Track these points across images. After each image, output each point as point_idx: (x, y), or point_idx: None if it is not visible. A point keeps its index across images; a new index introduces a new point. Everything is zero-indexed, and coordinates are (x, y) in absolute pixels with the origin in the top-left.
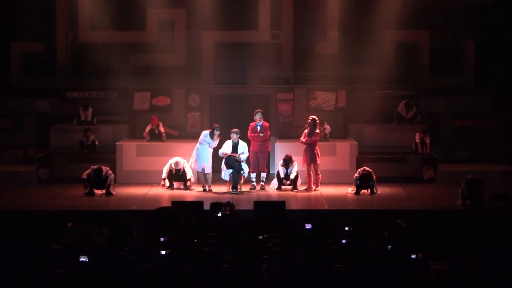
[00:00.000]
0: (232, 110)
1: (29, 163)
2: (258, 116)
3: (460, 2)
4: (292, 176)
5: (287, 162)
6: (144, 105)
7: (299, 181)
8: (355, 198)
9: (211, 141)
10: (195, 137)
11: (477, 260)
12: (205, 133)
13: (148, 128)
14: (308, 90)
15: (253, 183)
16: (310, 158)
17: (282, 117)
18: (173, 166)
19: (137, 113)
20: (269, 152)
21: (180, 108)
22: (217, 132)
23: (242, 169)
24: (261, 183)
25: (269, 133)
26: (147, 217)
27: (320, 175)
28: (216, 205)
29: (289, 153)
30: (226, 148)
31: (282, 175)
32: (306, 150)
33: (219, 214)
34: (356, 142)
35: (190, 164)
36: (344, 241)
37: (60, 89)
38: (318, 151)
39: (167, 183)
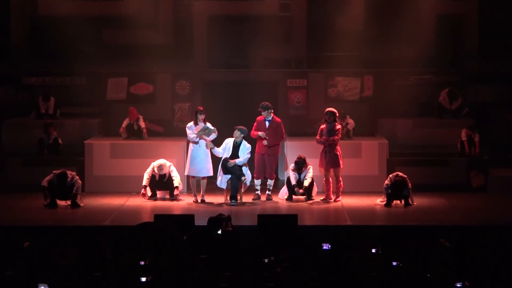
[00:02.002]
0: (230, 101)
1: None
2: (266, 112)
3: None
4: (306, 183)
5: (300, 165)
6: (120, 94)
7: (315, 189)
8: (385, 212)
9: (194, 132)
10: (184, 134)
11: None
12: (189, 125)
13: (125, 123)
14: (326, 75)
15: (257, 192)
16: (330, 161)
17: (294, 109)
18: (156, 171)
19: (111, 104)
20: (278, 155)
21: (165, 97)
22: (200, 116)
23: (243, 175)
24: (267, 192)
25: (284, 133)
26: (124, 235)
27: (341, 183)
28: (216, 220)
29: (303, 155)
30: (224, 147)
31: (293, 182)
32: (324, 151)
33: (219, 231)
34: (386, 141)
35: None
36: (370, 266)
37: (15, 74)
38: (340, 153)
39: (149, 192)
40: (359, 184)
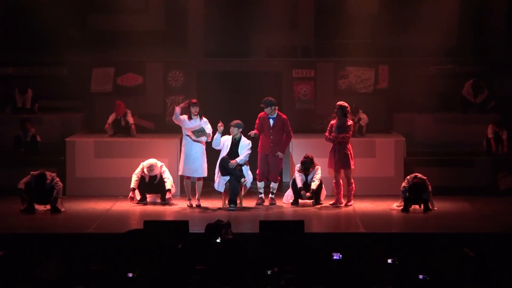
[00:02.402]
0: (229, 94)
1: None
2: (269, 109)
3: None
4: (313, 186)
5: (307, 166)
6: (106, 86)
7: (324, 193)
8: (403, 217)
9: (191, 124)
10: (176, 130)
11: None
12: (183, 118)
13: (111, 118)
14: (337, 65)
15: (260, 196)
16: (340, 161)
17: (300, 102)
18: (146, 172)
19: (96, 97)
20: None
21: (157, 90)
22: (194, 109)
23: (243, 176)
24: (270, 195)
25: (290, 131)
26: (110, 243)
27: (353, 185)
28: (215, 227)
29: (310, 154)
30: (222, 145)
31: (299, 184)
32: (333, 150)
33: (218, 240)
34: (403, 138)
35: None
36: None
37: None
38: (351, 152)
39: (138, 196)
40: (373, 187)
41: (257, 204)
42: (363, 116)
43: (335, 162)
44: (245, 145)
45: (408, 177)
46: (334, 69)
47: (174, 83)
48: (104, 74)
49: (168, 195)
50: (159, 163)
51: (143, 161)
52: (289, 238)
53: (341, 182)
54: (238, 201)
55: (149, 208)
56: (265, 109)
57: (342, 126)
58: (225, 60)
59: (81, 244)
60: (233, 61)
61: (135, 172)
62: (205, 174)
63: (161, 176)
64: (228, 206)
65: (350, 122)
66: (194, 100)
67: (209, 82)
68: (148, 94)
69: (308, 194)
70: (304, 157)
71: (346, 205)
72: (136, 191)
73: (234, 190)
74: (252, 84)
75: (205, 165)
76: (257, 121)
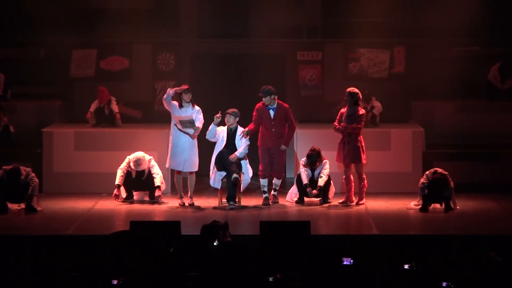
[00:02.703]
0: (225, 79)
1: None
2: (268, 98)
3: None
4: (321, 183)
5: (314, 159)
6: (88, 70)
7: (332, 190)
8: (421, 217)
9: (181, 112)
10: (167, 120)
11: None
12: (173, 104)
13: (93, 107)
14: (347, 47)
15: (265, 196)
16: (350, 155)
17: (306, 88)
18: (132, 167)
19: (76, 83)
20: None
21: (145, 74)
22: (186, 96)
23: (236, 171)
24: (273, 192)
25: (294, 121)
26: (92, 247)
27: (365, 181)
28: (211, 229)
29: (317, 146)
30: (217, 137)
31: (305, 181)
32: (342, 142)
33: (215, 243)
34: (422, 129)
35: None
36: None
37: None
38: (363, 144)
39: (124, 193)
40: (387, 183)
41: (263, 204)
42: (377, 104)
43: (344, 156)
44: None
45: (427, 172)
46: (344, 51)
47: (164, 66)
48: (85, 56)
49: (157, 193)
50: (147, 157)
51: (129, 154)
52: (294, 241)
53: (352, 178)
54: (236, 199)
55: (136, 207)
56: (263, 99)
57: (353, 116)
58: (221, 41)
59: (60, 248)
60: (231, 42)
61: (120, 167)
62: (195, 168)
63: (149, 171)
64: (224, 204)
65: (362, 111)
66: (186, 86)
67: (203, 66)
68: (135, 79)
69: (314, 191)
70: (310, 150)
71: (357, 203)
72: (122, 188)
73: (233, 186)
74: (252, 68)
75: (195, 159)
76: (254, 114)
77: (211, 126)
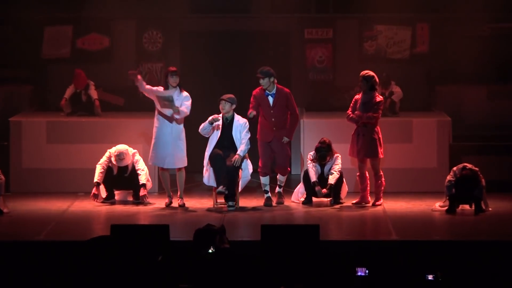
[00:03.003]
0: (221, 60)
1: None
2: (265, 81)
3: None
4: (332, 180)
5: (324, 153)
6: (62, 50)
7: (345, 188)
8: (447, 220)
9: (167, 96)
10: (154, 108)
11: None
12: (156, 90)
13: (69, 92)
14: (362, 23)
15: (267, 196)
16: (365, 148)
17: (314, 71)
18: (113, 162)
19: (48, 65)
20: (290, 142)
21: (128, 55)
22: (172, 79)
23: (241, 167)
24: (277, 190)
25: (296, 108)
26: (67, 254)
27: (382, 179)
28: (206, 234)
29: (327, 138)
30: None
31: (314, 178)
32: (357, 133)
33: (211, 250)
34: (449, 118)
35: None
36: None
37: None
38: (380, 136)
39: (103, 193)
40: (408, 181)
41: (265, 205)
42: (397, 90)
43: (358, 149)
44: (240, 125)
45: (454, 168)
46: (358, 28)
47: (150, 46)
48: (59, 34)
49: (142, 192)
50: (131, 150)
51: (110, 147)
52: (300, 248)
53: (367, 175)
54: (235, 199)
55: (118, 208)
56: (261, 81)
57: (369, 103)
58: (216, 17)
59: (30, 255)
60: (227, 18)
61: (99, 162)
62: (180, 165)
63: (133, 167)
64: (220, 205)
65: (379, 98)
66: (173, 68)
67: (195, 46)
68: (117, 61)
69: (324, 190)
70: (320, 142)
71: (373, 204)
72: (101, 187)
73: (231, 182)
74: (252, 48)
75: (181, 153)
76: (252, 100)
77: (205, 124)
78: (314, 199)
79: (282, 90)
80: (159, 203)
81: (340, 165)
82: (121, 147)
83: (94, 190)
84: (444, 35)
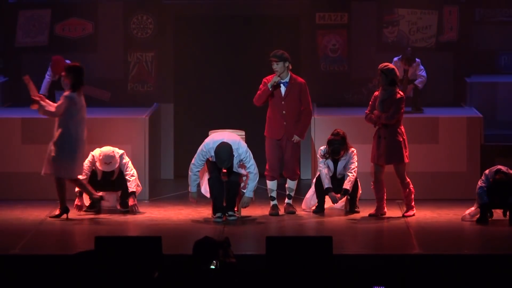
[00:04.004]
0: (220, 50)
1: None
2: (280, 65)
3: None
4: (347, 185)
5: (337, 147)
6: (39, 37)
7: (359, 190)
8: (479, 232)
9: None
10: (144, 103)
11: None
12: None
13: (45, 84)
14: (381, 6)
15: (273, 203)
16: (388, 153)
17: (327, 61)
18: (98, 166)
19: (23, 54)
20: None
21: (114, 43)
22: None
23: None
24: (287, 200)
25: (310, 103)
26: (45, 270)
27: (411, 186)
28: (208, 246)
29: (341, 129)
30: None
31: (326, 183)
32: (378, 135)
33: (213, 265)
34: (480, 115)
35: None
36: None
37: None
38: (405, 137)
39: (86, 201)
40: (434, 187)
41: (270, 214)
42: (421, 74)
43: (379, 155)
44: (244, 156)
45: (486, 171)
46: (377, 12)
47: (140, 33)
48: (35, 19)
49: (132, 201)
50: (118, 152)
51: (93, 149)
52: (311, 263)
53: (383, 183)
54: (235, 208)
55: (104, 218)
56: (275, 65)
57: (389, 100)
58: (215, 0)
59: (3, 271)
60: (228, 1)
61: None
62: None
63: (120, 171)
64: (218, 216)
65: (399, 94)
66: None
67: (191, 32)
68: (102, 50)
69: (338, 195)
70: (332, 134)
71: (403, 215)
72: (84, 196)
73: (232, 191)
74: (256, 36)
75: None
76: (261, 87)
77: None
78: (326, 207)
79: (296, 80)
80: (150, 212)
81: (356, 163)
82: (107, 149)
83: (76, 201)
84: (474, 21)
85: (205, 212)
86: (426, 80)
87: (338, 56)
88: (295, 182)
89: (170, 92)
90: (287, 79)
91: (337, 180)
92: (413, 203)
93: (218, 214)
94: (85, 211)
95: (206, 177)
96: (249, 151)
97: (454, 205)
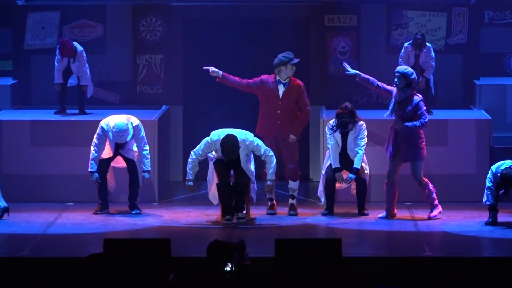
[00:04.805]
0: (229, 52)
1: None
2: (289, 68)
3: None
4: (357, 163)
5: (345, 120)
6: (48, 40)
7: (365, 171)
8: (488, 233)
9: None
10: (152, 105)
11: None
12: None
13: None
14: (390, 9)
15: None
16: (406, 150)
17: (336, 64)
18: (111, 136)
19: (33, 56)
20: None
21: (123, 45)
22: None
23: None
24: (290, 201)
25: (308, 104)
26: (54, 273)
27: (430, 185)
28: (223, 248)
29: (349, 103)
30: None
31: (335, 163)
32: (395, 134)
33: (229, 267)
34: (490, 118)
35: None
36: None
37: None
38: (423, 136)
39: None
40: (443, 190)
41: (268, 213)
42: (429, 65)
43: (395, 150)
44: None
45: (494, 167)
46: (386, 15)
47: (149, 35)
48: (45, 21)
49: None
50: (133, 122)
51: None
52: (319, 265)
53: (396, 182)
54: (244, 211)
55: (112, 220)
56: (294, 67)
57: (406, 102)
58: (224, 2)
59: (12, 273)
60: (236, 3)
61: (92, 144)
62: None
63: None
64: (228, 219)
65: (418, 97)
66: None
67: (200, 35)
68: (111, 52)
69: (344, 184)
70: (341, 108)
71: (429, 218)
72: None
73: (241, 192)
74: (265, 38)
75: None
76: (255, 79)
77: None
78: (335, 210)
79: (295, 82)
80: (159, 214)
81: (365, 138)
82: (119, 119)
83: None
84: (483, 23)
85: (214, 214)
86: (434, 68)
87: (347, 58)
88: (297, 183)
89: (179, 94)
90: (286, 81)
91: (347, 157)
92: (436, 202)
93: (228, 217)
94: (94, 213)
95: (214, 182)
96: (259, 140)
97: (463, 208)
